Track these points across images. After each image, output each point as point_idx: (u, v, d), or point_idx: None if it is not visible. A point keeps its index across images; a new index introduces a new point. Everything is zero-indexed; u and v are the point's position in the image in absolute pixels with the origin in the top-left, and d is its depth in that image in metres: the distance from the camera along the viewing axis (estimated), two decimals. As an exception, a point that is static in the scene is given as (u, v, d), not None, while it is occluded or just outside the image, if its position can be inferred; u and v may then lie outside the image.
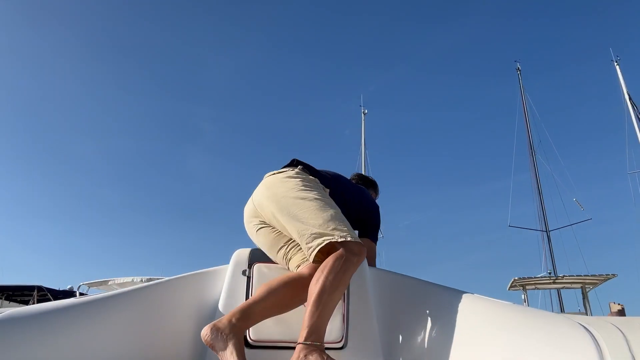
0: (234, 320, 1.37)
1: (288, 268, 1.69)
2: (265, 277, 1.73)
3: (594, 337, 0.96)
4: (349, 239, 1.44)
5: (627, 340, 0.93)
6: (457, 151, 38.37)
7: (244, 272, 1.78)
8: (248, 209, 1.77)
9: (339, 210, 1.58)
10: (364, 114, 24.76)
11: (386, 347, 1.69)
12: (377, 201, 2.34)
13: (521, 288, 13.71)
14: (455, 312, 1.43)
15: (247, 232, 1.80)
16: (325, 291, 1.35)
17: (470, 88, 40.40)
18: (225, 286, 1.78)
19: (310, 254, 1.47)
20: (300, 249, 1.60)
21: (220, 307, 1.74)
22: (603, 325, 1.00)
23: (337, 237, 1.44)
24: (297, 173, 1.69)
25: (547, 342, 1.05)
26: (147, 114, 41.55)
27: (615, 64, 18.63)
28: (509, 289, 13.71)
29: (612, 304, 11.60)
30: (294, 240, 1.64)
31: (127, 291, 1.56)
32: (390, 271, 1.92)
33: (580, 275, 12.61)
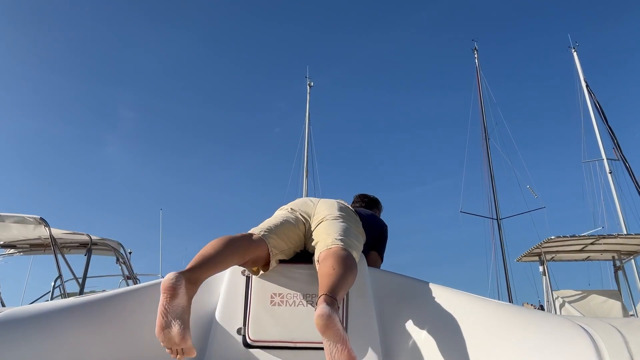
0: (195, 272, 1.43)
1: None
2: (264, 277, 1.77)
3: (592, 338, 0.98)
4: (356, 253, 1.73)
5: (625, 342, 0.94)
6: (408, 140, 37.33)
7: (243, 272, 1.81)
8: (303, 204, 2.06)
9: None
10: (310, 87, 22.34)
11: (385, 348, 1.69)
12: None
13: (537, 258, 9.79)
14: (455, 312, 1.47)
15: (282, 209, 2.06)
16: (350, 271, 1.54)
17: (426, 71, 39.15)
18: (225, 286, 1.82)
19: (332, 244, 1.68)
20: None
21: (220, 307, 1.77)
22: (602, 327, 1.02)
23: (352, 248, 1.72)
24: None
25: (546, 343, 1.07)
26: (57, 93, 36.97)
27: (573, 50, 18.02)
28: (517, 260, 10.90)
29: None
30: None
31: (125, 291, 1.61)
32: (389, 272, 1.95)
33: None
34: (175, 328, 1.30)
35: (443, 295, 1.61)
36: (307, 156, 21.30)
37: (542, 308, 11.98)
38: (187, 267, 1.44)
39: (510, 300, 15.39)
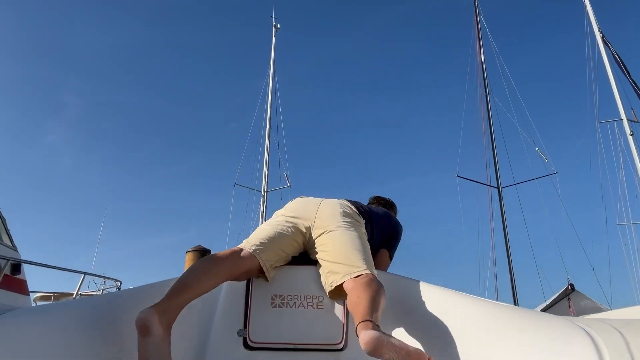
0: (170, 307, 1.39)
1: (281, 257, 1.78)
2: (271, 278, 1.74)
3: (593, 339, 0.96)
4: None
5: (626, 343, 0.93)
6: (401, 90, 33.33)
7: None
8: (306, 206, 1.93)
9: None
10: (276, 29, 19.52)
11: None
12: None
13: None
14: (456, 314, 1.45)
15: (278, 214, 1.93)
16: (380, 297, 1.48)
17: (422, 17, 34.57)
18: (225, 288, 1.80)
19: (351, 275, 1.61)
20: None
21: (220, 308, 1.76)
22: (603, 327, 1.01)
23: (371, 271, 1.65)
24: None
25: (546, 344, 1.06)
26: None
27: (584, -2, 15.66)
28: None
29: None
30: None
31: (125, 292, 1.58)
32: (391, 273, 1.92)
33: None
34: None
35: (444, 297, 1.58)
36: (270, 109, 18.48)
37: (573, 286, 12.18)
38: (165, 296, 1.41)
39: (512, 280, 13.03)
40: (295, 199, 2.02)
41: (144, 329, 1.28)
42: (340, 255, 1.68)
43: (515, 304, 12.34)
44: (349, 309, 1.51)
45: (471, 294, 1.56)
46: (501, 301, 1.93)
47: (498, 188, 14.52)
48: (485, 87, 15.85)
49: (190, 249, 3.14)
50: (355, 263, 1.63)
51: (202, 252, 3.11)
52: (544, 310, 11.48)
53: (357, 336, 1.29)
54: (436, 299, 1.60)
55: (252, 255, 1.66)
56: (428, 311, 1.58)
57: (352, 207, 1.96)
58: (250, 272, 1.69)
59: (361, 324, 1.31)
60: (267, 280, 1.74)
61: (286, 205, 1.98)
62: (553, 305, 12.31)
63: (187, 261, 3.03)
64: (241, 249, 1.68)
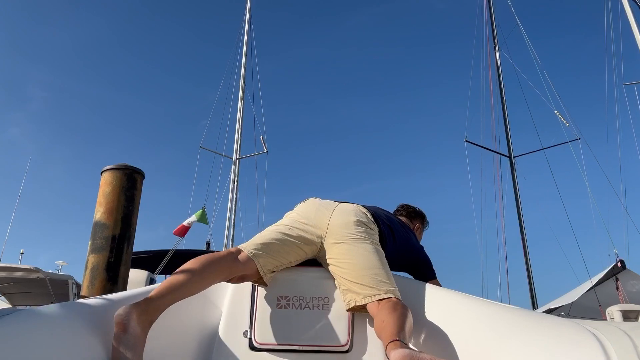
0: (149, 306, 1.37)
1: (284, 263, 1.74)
2: (269, 282, 1.74)
3: (601, 342, 0.96)
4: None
5: (635, 346, 0.92)
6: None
7: None
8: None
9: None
10: None
11: None
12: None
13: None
14: (462, 316, 1.45)
15: (289, 216, 1.86)
16: (407, 319, 1.45)
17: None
18: (231, 289, 1.81)
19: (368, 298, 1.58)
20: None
21: (226, 310, 1.77)
22: (611, 331, 1.00)
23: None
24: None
25: (553, 347, 1.05)
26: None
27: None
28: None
29: None
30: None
31: (128, 295, 1.55)
32: (396, 274, 1.87)
33: None
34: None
35: (450, 299, 1.58)
36: (245, 63, 15.20)
37: (623, 263, 9.91)
38: (149, 295, 1.39)
39: (527, 265, 11.82)
40: (308, 200, 1.93)
41: (120, 326, 1.28)
42: (359, 275, 1.63)
43: (530, 289, 11.37)
44: (376, 334, 1.50)
45: (479, 286, 1.59)
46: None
47: (510, 157, 13.50)
48: (494, 40, 14.80)
49: (108, 167, 2.52)
50: (376, 285, 1.59)
51: (123, 170, 2.53)
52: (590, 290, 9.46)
53: (388, 358, 1.28)
54: (442, 302, 1.59)
55: (249, 259, 1.62)
56: (434, 314, 1.58)
57: (368, 214, 1.88)
58: (246, 277, 1.65)
59: (390, 344, 1.30)
60: (265, 285, 1.73)
61: (297, 206, 1.92)
62: (597, 285, 9.78)
63: (102, 184, 2.45)
64: (239, 251, 1.64)
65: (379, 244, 1.79)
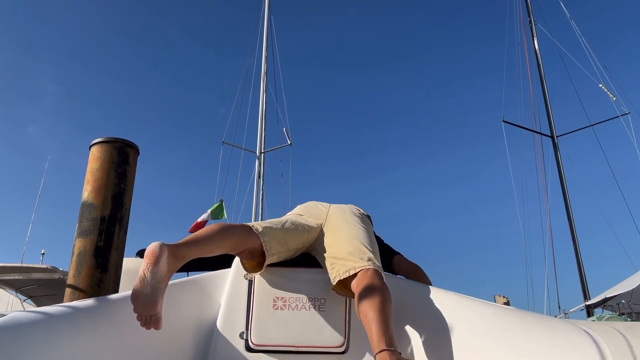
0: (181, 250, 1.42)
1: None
2: (266, 281, 1.77)
3: (596, 342, 0.96)
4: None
5: (630, 346, 0.92)
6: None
7: (245, 276, 1.80)
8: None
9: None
10: None
11: None
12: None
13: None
14: (458, 317, 1.45)
15: (295, 211, 2.01)
16: (388, 303, 1.46)
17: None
18: (227, 290, 1.81)
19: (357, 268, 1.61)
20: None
21: (222, 311, 1.76)
22: (606, 331, 1.00)
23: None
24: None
25: (549, 348, 1.05)
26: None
27: None
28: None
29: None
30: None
31: (128, 295, 1.53)
32: (392, 275, 1.90)
33: None
34: (148, 292, 1.29)
35: (446, 299, 1.57)
36: (267, 50, 14.78)
37: None
38: (175, 243, 1.43)
39: (577, 253, 10.92)
40: (306, 203, 2.07)
41: (152, 258, 1.30)
42: (344, 244, 1.70)
43: (581, 280, 10.52)
44: (360, 319, 1.49)
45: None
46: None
47: (552, 136, 12.57)
48: (529, 15, 13.86)
49: (97, 140, 2.16)
50: (359, 255, 1.63)
51: (113, 143, 2.07)
52: None
53: None
54: (438, 302, 1.58)
55: (257, 236, 1.67)
56: (430, 315, 1.57)
57: (361, 210, 2.04)
58: (252, 251, 1.68)
59: (379, 355, 1.31)
60: (260, 269, 1.73)
61: (296, 207, 2.05)
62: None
63: (90, 159, 1.97)
64: (252, 226, 1.69)
65: (372, 230, 1.93)
